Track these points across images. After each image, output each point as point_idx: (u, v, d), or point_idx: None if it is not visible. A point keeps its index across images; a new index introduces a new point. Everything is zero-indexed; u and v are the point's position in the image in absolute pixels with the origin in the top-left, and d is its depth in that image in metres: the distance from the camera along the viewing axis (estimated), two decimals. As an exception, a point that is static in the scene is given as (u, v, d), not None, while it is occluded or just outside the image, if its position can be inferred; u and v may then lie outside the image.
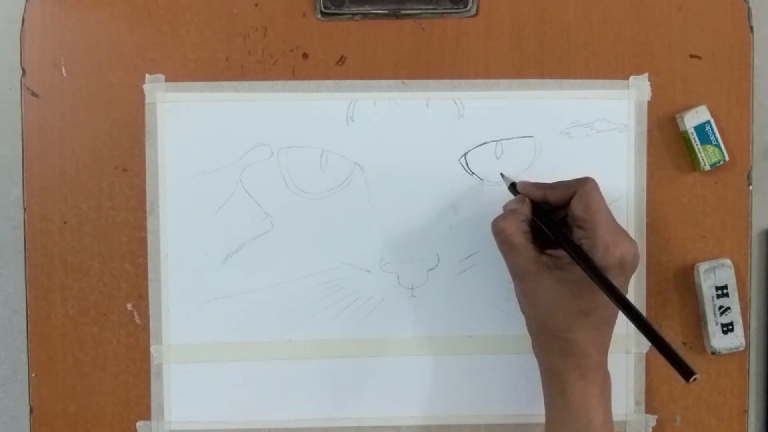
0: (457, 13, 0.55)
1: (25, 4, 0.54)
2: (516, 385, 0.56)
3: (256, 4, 0.55)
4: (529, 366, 0.56)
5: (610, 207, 0.50)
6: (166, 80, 0.55)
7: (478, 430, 0.57)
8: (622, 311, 0.45)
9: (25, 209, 0.55)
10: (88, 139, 0.55)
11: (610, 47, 0.55)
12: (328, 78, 0.55)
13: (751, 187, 0.56)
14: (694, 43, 0.55)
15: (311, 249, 0.55)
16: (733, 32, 0.56)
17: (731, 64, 0.56)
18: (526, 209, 0.50)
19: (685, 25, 0.55)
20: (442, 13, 0.55)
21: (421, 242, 0.56)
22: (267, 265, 0.55)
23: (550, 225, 0.50)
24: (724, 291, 0.55)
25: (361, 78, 0.55)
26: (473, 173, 0.55)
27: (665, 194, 0.56)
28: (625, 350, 0.56)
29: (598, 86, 0.55)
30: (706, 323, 0.56)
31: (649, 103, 0.56)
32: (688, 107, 0.55)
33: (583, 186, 0.49)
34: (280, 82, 0.55)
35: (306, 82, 0.55)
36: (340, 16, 0.55)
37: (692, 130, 0.55)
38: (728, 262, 0.56)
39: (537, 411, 0.56)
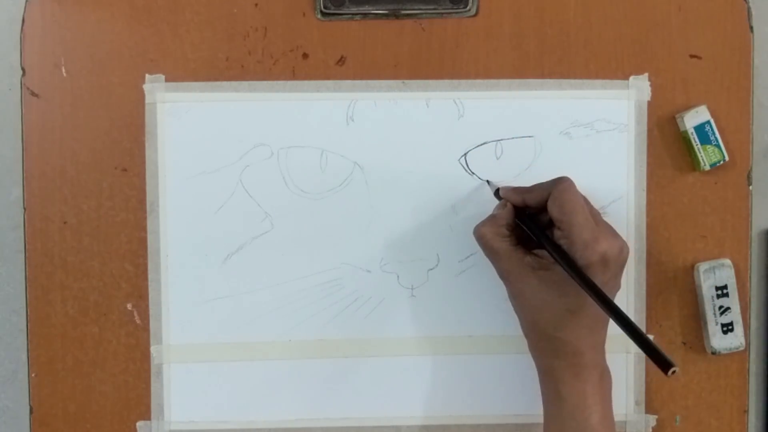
0: (457, 13, 0.55)
1: (25, 4, 0.54)
2: (516, 385, 0.56)
3: (256, 4, 0.55)
4: (529, 366, 0.56)
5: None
6: (166, 80, 0.55)
7: (478, 430, 0.57)
8: (600, 305, 0.45)
9: (25, 209, 0.55)
10: (88, 139, 0.55)
11: (610, 47, 0.55)
12: (328, 78, 0.55)
13: (751, 187, 0.56)
14: (694, 43, 0.55)
15: (311, 249, 0.55)
16: (733, 32, 0.55)
17: (731, 64, 0.56)
18: (506, 214, 0.51)
19: (685, 25, 0.55)
20: (442, 13, 0.55)
21: (421, 242, 0.56)
22: (267, 265, 0.55)
23: (530, 226, 0.50)
24: (724, 291, 0.55)
25: (361, 78, 0.55)
26: (473, 173, 0.55)
27: (665, 194, 0.56)
28: (625, 350, 0.56)
29: (598, 86, 0.55)
30: (706, 323, 0.56)
31: (649, 103, 0.56)
32: (688, 107, 0.55)
33: (556, 186, 0.49)
34: (280, 82, 0.55)
35: (306, 82, 0.55)
36: (340, 16, 0.55)
37: (692, 130, 0.55)
38: (728, 262, 0.56)
39: (536, 411, 0.56)
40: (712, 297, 0.55)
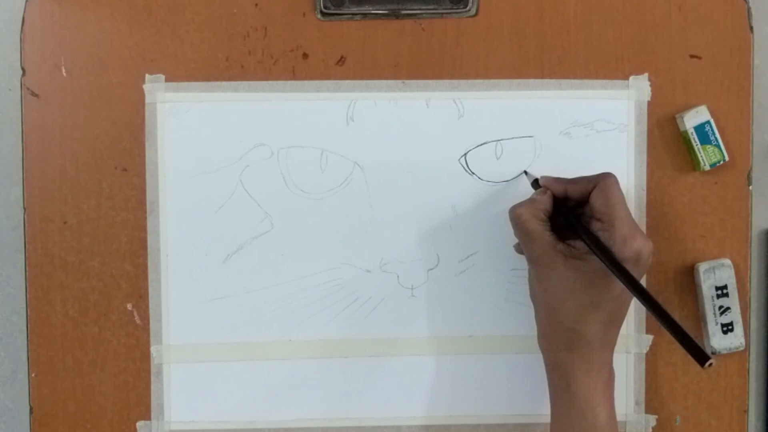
0: (457, 13, 0.55)
1: (25, 4, 0.54)
2: (516, 384, 0.56)
3: (256, 4, 0.55)
4: (530, 366, 0.56)
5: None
6: (166, 80, 0.55)
7: (478, 429, 0.57)
8: (639, 299, 0.46)
9: (25, 209, 0.55)
10: (88, 139, 0.55)
11: (610, 47, 0.55)
12: (328, 78, 0.55)
13: (751, 187, 0.56)
14: (694, 43, 0.55)
15: (311, 249, 0.55)
16: (733, 32, 0.56)
17: (731, 64, 0.56)
18: (546, 199, 0.51)
19: (685, 25, 0.55)
20: (442, 13, 0.55)
21: (421, 242, 0.56)
22: (267, 265, 0.55)
23: (569, 215, 0.51)
24: (724, 291, 0.55)
25: (361, 78, 0.55)
26: (473, 173, 0.55)
27: (665, 194, 0.56)
28: (625, 350, 0.56)
29: (598, 86, 0.55)
30: (706, 323, 0.56)
31: (649, 103, 0.56)
32: (688, 107, 0.55)
33: (604, 179, 0.50)
34: (280, 82, 0.55)
35: (306, 82, 0.55)
36: (340, 16, 0.55)
37: (692, 130, 0.55)
38: (728, 262, 0.56)
39: (537, 411, 0.56)
40: (712, 297, 0.55)
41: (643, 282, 0.56)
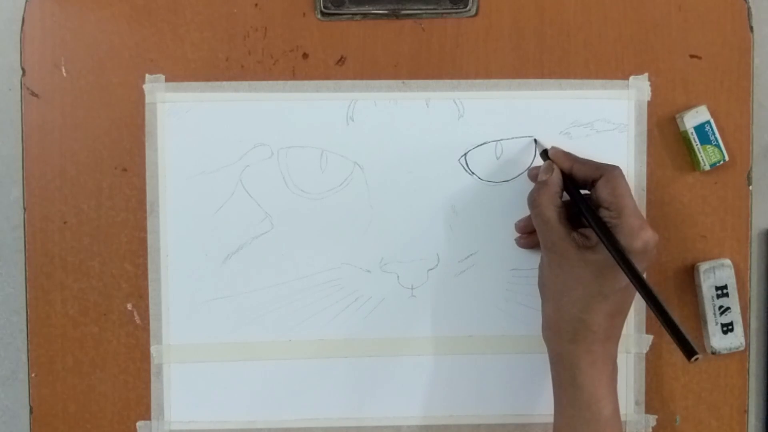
0: (457, 13, 0.55)
1: (25, 4, 0.54)
2: (516, 384, 0.56)
3: (256, 4, 0.55)
4: (530, 366, 0.56)
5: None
6: (166, 80, 0.55)
7: (479, 429, 0.57)
8: (637, 288, 0.46)
9: (25, 209, 0.55)
10: (88, 139, 0.55)
11: (610, 47, 0.55)
12: (328, 78, 0.55)
13: (751, 187, 0.56)
14: (694, 43, 0.55)
15: (311, 249, 0.55)
16: (733, 32, 0.56)
17: (731, 64, 0.56)
18: (556, 179, 0.51)
19: (685, 25, 0.55)
20: (442, 13, 0.55)
21: (421, 242, 0.56)
22: (267, 265, 0.55)
23: (581, 199, 0.51)
24: (724, 291, 0.55)
25: (361, 78, 0.55)
26: (473, 173, 0.55)
27: (665, 194, 0.56)
28: (625, 350, 0.56)
29: (598, 86, 0.56)
30: (706, 323, 0.56)
31: (649, 103, 0.56)
32: (688, 107, 0.55)
33: (612, 170, 0.50)
34: (280, 82, 0.55)
35: (306, 82, 0.55)
36: (340, 16, 0.55)
37: (692, 130, 0.55)
38: (728, 262, 0.56)
39: (537, 411, 0.56)
40: (712, 297, 0.55)
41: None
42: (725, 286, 0.55)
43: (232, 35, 0.55)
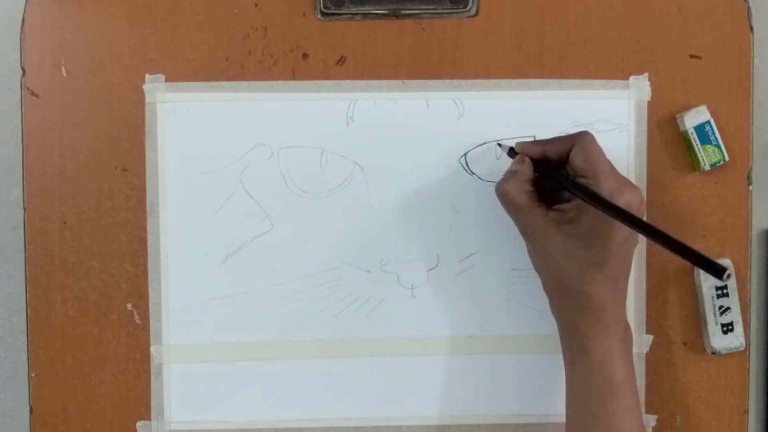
0: (457, 13, 0.55)
1: (25, 4, 0.54)
2: (517, 384, 0.56)
3: (256, 4, 0.55)
4: (530, 366, 0.56)
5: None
6: (166, 80, 0.55)
7: (479, 429, 0.57)
8: (642, 233, 0.45)
9: (25, 209, 0.55)
10: (88, 139, 0.55)
11: (610, 47, 0.55)
12: (328, 78, 0.55)
13: (751, 187, 0.56)
14: (694, 43, 0.55)
15: (311, 249, 0.55)
16: (733, 32, 0.56)
17: (731, 64, 0.56)
18: (526, 168, 0.51)
19: (685, 25, 0.55)
20: (442, 13, 0.55)
21: (421, 242, 0.56)
22: (267, 265, 0.55)
23: (553, 175, 0.50)
24: (724, 291, 0.55)
25: (361, 78, 0.55)
26: (473, 173, 0.55)
27: (665, 194, 0.56)
28: (625, 350, 0.56)
29: (598, 86, 0.56)
30: (706, 323, 0.56)
31: (649, 103, 0.56)
32: (688, 107, 0.55)
33: (582, 137, 0.50)
34: (280, 82, 0.55)
35: (306, 82, 0.55)
36: (340, 16, 0.55)
37: (692, 130, 0.55)
38: (728, 262, 0.56)
39: (538, 411, 0.56)
40: (712, 297, 0.55)
41: (641, 283, 0.56)
42: (725, 286, 0.55)
43: (232, 35, 0.55)
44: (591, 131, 0.54)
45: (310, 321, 0.56)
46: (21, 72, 0.55)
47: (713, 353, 0.56)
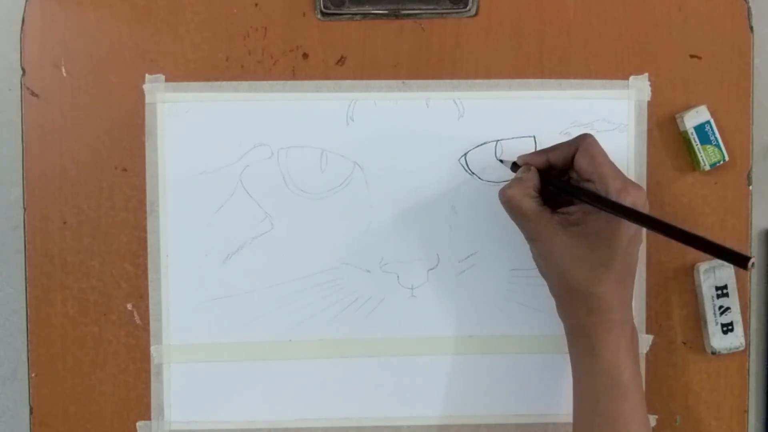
0: (457, 13, 0.55)
1: (25, 4, 0.54)
2: (517, 384, 0.56)
3: (256, 4, 0.55)
4: (530, 366, 0.56)
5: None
6: (166, 80, 0.55)
7: (479, 430, 0.57)
8: (658, 231, 0.46)
9: (25, 209, 0.55)
10: (88, 139, 0.55)
11: (610, 47, 0.55)
12: (328, 78, 0.55)
13: (751, 187, 0.56)
14: (694, 43, 0.55)
15: (311, 249, 0.55)
16: (733, 32, 0.56)
17: (731, 64, 0.56)
18: (532, 176, 0.51)
19: (685, 25, 0.55)
20: (442, 13, 0.55)
21: (421, 242, 0.56)
22: (267, 265, 0.55)
23: (561, 183, 0.51)
24: (724, 291, 0.55)
25: (361, 78, 0.55)
26: (473, 173, 0.55)
27: (665, 194, 0.56)
28: (625, 350, 0.56)
29: (598, 86, 0.55)
30: (706, 323, 0.56)
31: (649, 103, 0.56)
32: (688, 107, 0.55)
33: (584, 140, 0.50)
34: (280, 82, 0.55)
35: (306, 82, 0.55)
36: (340, 16, 0.55)
37: (692, 130, 0.55)
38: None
39: (538, 411, 0.56)
40: (712, 297, 0.55)
41: (641, 283, 0.56)
42: (725, 286, 0.55)
43: (232, 35, 0.55)
44: (591, 131, 0.54)
45: (310, 321, 0.56)
46: (21, 72, 0.55)
47: (713, 353, 0.56)
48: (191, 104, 0.55)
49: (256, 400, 0.56)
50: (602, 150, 0.50)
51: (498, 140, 0.55)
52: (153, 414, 0.56)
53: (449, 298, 0.56)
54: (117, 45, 0.55)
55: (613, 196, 0.48)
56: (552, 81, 0.55)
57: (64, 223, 0.55)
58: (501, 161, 0.55)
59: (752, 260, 0.42)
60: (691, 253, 0.56)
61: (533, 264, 0.53)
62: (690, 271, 0.56)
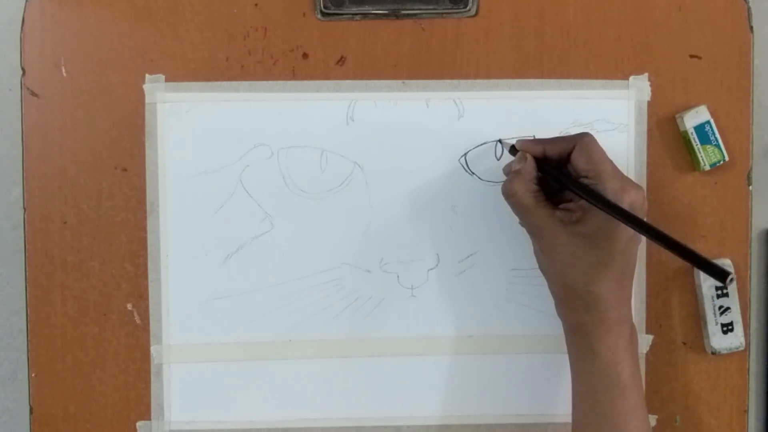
0: (457, 13, 0.55)
1: (25, 4, 0.54)
2: (516, 384, 0.56)
3: (256, 4, 0.55)
4: (530, 366, 0.56)
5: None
6: (166, 80, 0.55)
7: (479, 430, 0.57)
8: (648, 236, 0.46)
9: (25, 209, 0.55)
10: (88, 139, 0.55)
11: (610, 47, 0.55)
12: (328, 78, 0.55)
13: (751, 187, 0.56)
14: (694, 43, 0.55)
15: (311, 249, 0.55)
16: (733, 32, 0.56)
17: (731, 64, 0.56)
18: (530, 167, 0.51)
19: (685, 25, 0.55)
20: (442, 13, 0.55)
21: (421, 242, 0.56)
22: (267, 265, 0.55)
23: (558, 175, 0.51)
24: (724, 291, 0.55)
25: (361, 78, 0.55)
26: (473, 173, 0.55)
27: (665, 194, 0.56)
28: (625, 350, 0.56)
29: (598, 86, 0.56)
30: (706, 323, 0.56)
31: (649, 103, 0.56)
32: (688, 107, 0.55)
33: (582, 139, 0.50)
34: (280, 82, 0.55)
35: (306, 82, 0.55)
36: (340, 16, 0.55)
37: (692, 130, 0.55)
38: (728, 262, 0.56)
39: (538, 411, 0.56)
40: (712, 297, 0.55)
41: (641, 283, 0.56)
42: (725, 286, 0.55)
43: (232, 35, 0.55)
44: (591, 131, 0.54)
45: (311, 321, 0.56)
46: (21, 72, 0.55)
47: (713, 353, 0.56)
48: (191, 104, 0.55)
49: (256, 400, 0.56)
50: (600, 149, 0.50)
51: (498, 140, 0.55)
52: (153, 414, 0.56)
53: (449, 298, 0.56)
54: (117, 45, 0.55)
55: (611, 196, 0.48)
56: (552, 81, 0.55)
57: (64, 223, 0.55)
58: (500, 142, 0.55)
59: (731, 276, 0.43)
60: (691, 253, 0.56)
61: (533, 264, 0.53)
62: (690, 271, 0.56)
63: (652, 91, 0.56)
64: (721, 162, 0.55)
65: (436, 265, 0.56)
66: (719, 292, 0.55)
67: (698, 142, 0.54)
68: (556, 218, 0.49)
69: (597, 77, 0.55)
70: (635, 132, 0.56)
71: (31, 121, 0.55)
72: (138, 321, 0.55)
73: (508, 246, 0.55)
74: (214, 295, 0.55)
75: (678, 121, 0.55)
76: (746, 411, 0.57)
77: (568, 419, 0.52)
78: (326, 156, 0.55)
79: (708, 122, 0.55)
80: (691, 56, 0.56)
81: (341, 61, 0.55)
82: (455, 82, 0.55)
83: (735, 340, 0.56)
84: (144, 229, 0.55)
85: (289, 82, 0.55)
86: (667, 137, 0.56)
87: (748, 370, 0.57)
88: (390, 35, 0.55)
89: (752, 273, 0.57)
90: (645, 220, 0.48)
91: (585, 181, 0.49)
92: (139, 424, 0.56)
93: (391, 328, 0.56)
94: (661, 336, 0.56)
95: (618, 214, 0.46)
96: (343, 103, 0.55)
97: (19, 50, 0.55)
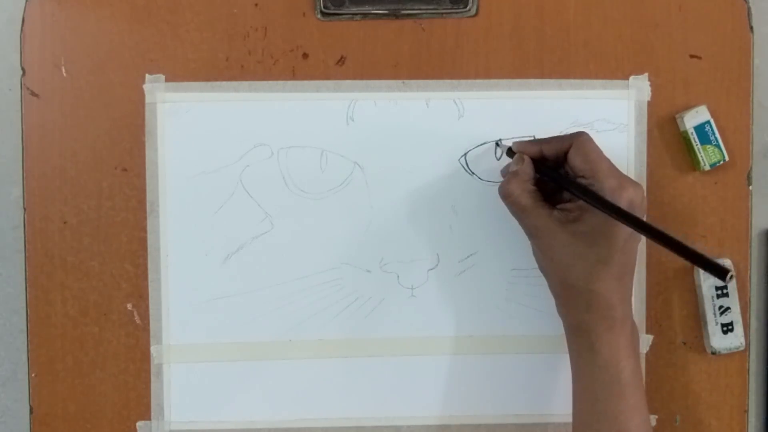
0: (457, 13, 0.55)
1: (25, 4, 0.54)
2: (516, 384, 0.56)
3: (256, 4, 0.55)
4: (530, 366, 0.56)
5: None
6: (166, 80, 0.55)
7: (479, 430, 0.57)
8: (646, 235, 0.46)
9: (25, 209, 0.55)
10: (88, 139, 0.55)
11: (610, 47, 0.55)
12: (328, 78, 0.55)
13: (751, 187, 0.56)
14: (694, 43, 0.55)
15: (311, 249, 0.55)
16: (733, 32, 0.56)
17: (731, 64, 0.56)
18: (527, 168, 0.51)
19: (685, 25, 0.55)
20: (442, 13, 0.55)
21: (421, 242, 0.56)
22: (267, 265, 0.55)
23: (553, 175, 0.51)
24: (724, 291, 0.55)
25: (361, 78, 0.55)
26: (473, 173, 0.55)
27: (665, 194, 0.56)
28: (625, 350, 0.56)
29: (598, 86, 0.56)
30: (706, 323, 0.56)
31: (649, 103, 0.56)
32: (688, 107, 0.55)
33: (578, 138, 0.50)
34: (280, 82, 0.55)
35: (306, 82, 0.55)
36: (340, 16, 0.55)
37: (692, 130, 0.55)
38: (728, 262, 0.56)
39: (538, 411, 0.56)
40: (712, 297, 0.55)
41: (641, 283, 0.56)
42: (725, 286, 0.55)
43: (232, 35, 0.55)
44: (591, 131, 0.54)
45: (311, 321, 0.56)
46: (21, 72, 0.55)
47: (713, 353, 0.56)
48: (191, 104, 0.55)
49: (256, 400, 0.56)
50: (597, 148, 0.50)
51: (498, 140, 0.55)
52: (153, 414, 0.56)
53: (449, 298, 0.56)
54: (117, 45, 0.55)
55: (608, 194, 0.48)
56: (552, 81, 0.55)
57: (64, 223, 0.55)
58: (497, 144, 0.55)
59: (731, 273, 0.43)
60: (691, 253, 0.56)
61: (533, 264, 0.53)
62: (690, 271, 0.56)
63: (652, 91, 0.56)
64: (721, 162, 0.55)
65: (436, 265, 0.56)
66: (719, 292, 0.55)
67: (698, 142, 0.54)
68: (554, 218, 0.49)
69: (597, 77, 0.55)
70: (635, 132, 0.56)
71: (31, 121, 0.55)
72: (138, 321, 0.55)
73: (508, 246, 0.55)
74: (214, 295, 0.55)
75: (678, 121, 0.55)
76: (746, 411, 0.57)
77: (568, 419, 0.52)
78: (326, 156, 0.55)
79: (708, 122, 0.55)
80: (691, 56, 0.56)
81: (341, 61, 0.55)
82: (455, 82, 0.55)
83: (735, 340, 0.56)
84: (144, 229, 0.55)
85: (289, 82, 0.55)
86: (667, 137, 0.56)
87: (748, 370, 0.57)
88: (390, 35, 0.55)
89: (752, 273, 0.57)
90: (643, 218, 0.48)
91: (582, 180, 0.49)
92: (139, 424, 0.56)
93: (391, 328, 0.56)
94: (661, 336, 0.56)
95: (614, 212, 0.47)
96: (343, 103, 0.55)
97: (19, 50, 0.55)
